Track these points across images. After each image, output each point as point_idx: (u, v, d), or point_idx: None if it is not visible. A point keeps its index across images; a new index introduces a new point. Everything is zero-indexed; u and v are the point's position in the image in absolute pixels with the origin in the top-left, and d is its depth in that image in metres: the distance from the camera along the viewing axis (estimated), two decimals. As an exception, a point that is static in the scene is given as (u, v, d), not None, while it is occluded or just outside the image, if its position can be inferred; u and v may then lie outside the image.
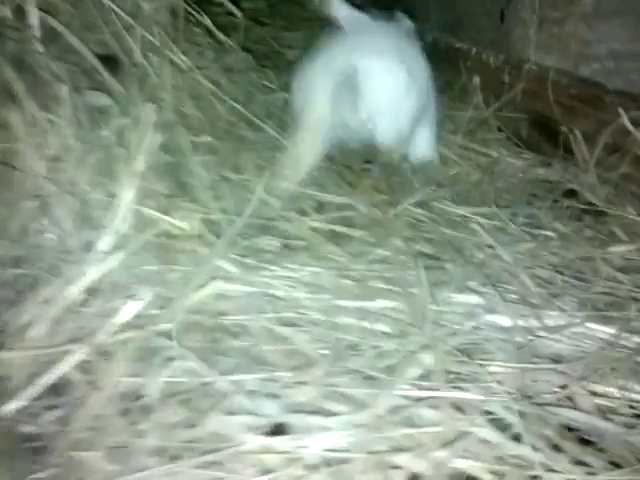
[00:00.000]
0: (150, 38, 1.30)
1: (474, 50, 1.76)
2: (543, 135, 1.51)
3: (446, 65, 1.87)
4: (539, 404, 0.85)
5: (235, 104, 1.44)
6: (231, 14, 1.64)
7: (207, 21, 1.50)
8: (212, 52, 1.54)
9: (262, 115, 1.47)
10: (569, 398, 0.88)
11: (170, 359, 0.87)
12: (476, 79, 1.71)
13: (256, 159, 1.32)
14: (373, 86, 1.29)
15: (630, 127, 1.19)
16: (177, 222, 1.06)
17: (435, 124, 1.49)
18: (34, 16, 1.14)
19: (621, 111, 1.20)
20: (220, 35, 1.54)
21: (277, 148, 1.38)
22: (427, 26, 2.02)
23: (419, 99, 1.35)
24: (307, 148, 1.34)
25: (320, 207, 1.26)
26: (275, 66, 1.83)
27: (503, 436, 0.79)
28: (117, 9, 1.25)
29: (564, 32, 1.41)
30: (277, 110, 1.56)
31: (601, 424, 0.83)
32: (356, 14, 1.49)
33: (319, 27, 2.27)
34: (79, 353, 0.84)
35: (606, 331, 0.94)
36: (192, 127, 1.28)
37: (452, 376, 0.88)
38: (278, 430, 0.83)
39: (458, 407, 0.83)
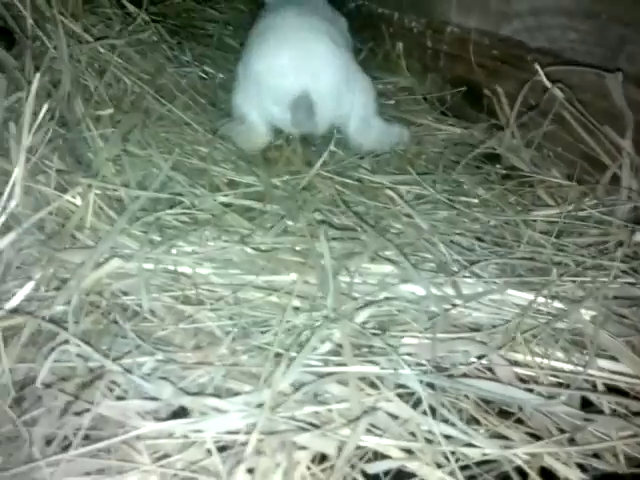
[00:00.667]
0: (45, 9, 1.21)
1: (396, 15, 1.71)
2: (467, 99, 1.46)
3: (370, 31, 1.82)
4: (455, 376, 0.81)
5: (141, 76, 1.36)
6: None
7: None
8: (120, 24, 1.46)
9: (172, 89, 1.40)
10: (488, 369, 0.84)
11: (62, 344, 0.81)
12: (399, 45, 1.66)
13: (163, 134, 1.25)
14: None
15: (548, 84, 1.15)
16: (71, 198, 0.99)
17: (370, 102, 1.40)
18: None
19: (538, 67, 1.16)
20: (129, 6, 1.45)
21: (185, 123, 1.31)
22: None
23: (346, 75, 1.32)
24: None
25: (232, 183, 1.20)
26: (190, 39, 1.75)
27: (415, 411, 0.75)
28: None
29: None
30: (189, 84, 1.48)
31: (520, 394, 0.80)
32: None
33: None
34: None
35: (526, 297, 0.91)
36: (93, 100, 1.20)
37: (363, 350, 0.83)
38: (176, 414, 0.78)
39: (369, 383, 0.79)
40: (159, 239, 0.98)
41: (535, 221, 1.08)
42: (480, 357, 0.84)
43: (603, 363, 0.83)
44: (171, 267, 0.95)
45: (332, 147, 1.29)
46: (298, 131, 1.34)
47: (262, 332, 0.86)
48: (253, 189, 1.16)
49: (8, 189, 0.94)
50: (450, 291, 0.92)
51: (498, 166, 1.28)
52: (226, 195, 1.10)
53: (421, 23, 1.59)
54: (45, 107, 1.00)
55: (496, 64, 1.35)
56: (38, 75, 0.99)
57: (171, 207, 1.05)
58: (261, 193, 1.15)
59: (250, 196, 1.13)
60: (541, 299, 0.90)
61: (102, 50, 1.29)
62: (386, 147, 1.35)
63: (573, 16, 1.17)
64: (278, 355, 0.81)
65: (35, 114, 1.00)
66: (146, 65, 1.41)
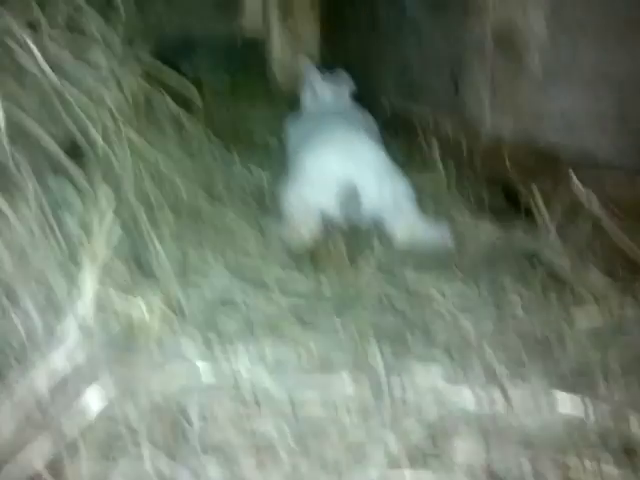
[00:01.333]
0: (110, 124, 1.31)
1: (432, 117, 1.80)
2: (503, 197, 1.53)
3: (406, 130, 1.91)
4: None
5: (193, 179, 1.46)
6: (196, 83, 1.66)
7: (169, 101, 1.51)
8: (174, 131, 1.56)
9: (222, 190, 1.49)
10: (538, 473, 0.86)
11: (134, 449, 0.86)
12: (435, 143, 1.74)
13: (215, 235, 1.33)
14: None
15: (582, 189, 1.21)
16: (138, 303, 1.05)
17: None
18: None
19: (572, 174, 1.22)
20: (182, 114, 1.55)
21: (237, 224, 1.39)
22: (385, 92, 2.07)
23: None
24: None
25: (281, 281, 1.26)
26: (238, 142, 1.86)
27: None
28: (79, 96, 1.26)
29: (516, 97, 1.45)
30: (238, 187, 1.57)
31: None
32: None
33: (280, 102, 2.34)
34: (45, 447, 0.83)
35: (573, 401, 0.94)
36: (153, 206, 1.28)
37: (415, 454, 0.87)
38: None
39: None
40: (218, 341, 1.04)
41: (578, 320, 1.12)
42: (531, 462, 0.87)
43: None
44: (229, 370, 1.00)
45: (376, 244, 1.37)
46: (344, 221, 1.46)
47: (319, 436, 0.90)
48: (303, 287, 1.22)
49: (80, 297, 1.01)
50: (499, 396, 0.95)
51: (538, 264, 1.32)
52: (277, 295, 1.17)
53: (456, 124, 1.67)
54: (110, 218, 1.08)
55: (530, 164, 1.42)
56: (108, 189, 1.08)
57: (226, 307, 1.12)
58: (310, 292, 1.21)
59: (299, 295, 1.19)
60: (588, 403, 0.93)
61: (160, 158, 1.38)
62: (428, 245, 1.41)
63: (604, 120, 1.23)
64: (335, 462, 0.85)
65: (102, 224, 1.08)
66: (197, 167, 1.50)
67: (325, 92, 1.90)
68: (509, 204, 1.51)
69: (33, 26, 1.31)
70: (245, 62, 2.51)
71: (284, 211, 1.48)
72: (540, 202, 1.40)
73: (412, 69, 1.89)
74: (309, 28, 2.53)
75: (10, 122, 1.19)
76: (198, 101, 1.49)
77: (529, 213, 1.44)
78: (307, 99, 1.93)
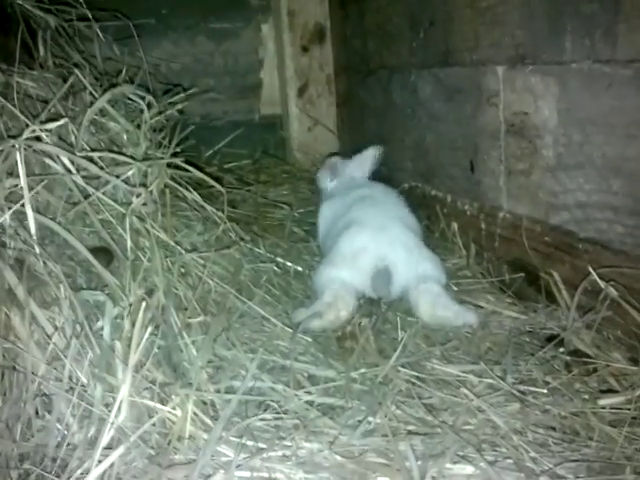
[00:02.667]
0: (139, 226, 1.36)
1: (449, 198, 1.84)
2: (524, 280, 1.56)
3: (425, 211, 1.96)
4: None
5: (222, 275, 1.50)
6: (217, 179, 1.72)
7: (195, 196, 1.58)
8: (200, 225, 1.61)
9: (250, 285, 1.53)
10: None
11: None
12: (454, 225, 1.79)
13: (246, 332, 1.37)
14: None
15: (602, 284, 1.25)
16: (171, 410, 1.08)
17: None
18: (31, 220, 1.20)
19: (591, 270, 1.26)
20: (207, 207, 1.61)
21: (265, 319, 1.43)
22: (402, 173, 2.13)
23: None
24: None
25: (312, 378, 1.28)
26: (263, 230, 1.91)
27: None
28: (107, 201, 1.32)
29: (531, 182, 1.49)
30: (265, 277, 1.62)
31: None
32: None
33: (300, 181, 2.41)
34: None
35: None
36: (183, 307, 1.33)
37: None
38: None
39: None
40: (253, 444, 1.06)
41: (604, 408, 1.14)
42: None
43: None
44: (266, 475, 1.02)
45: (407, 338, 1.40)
46: (376, 296, 1.59)
47: None
48: (333, 384, 1.25)
49: (116, 405, 1.05)
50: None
51: (562, 350, 1.34)
52: (309, 393, 1.19)
53: (474, 207, 1.72)
54: (143, 326, 1.12)
55: (549, 249, 1.45)
56: (141, 298, 1.13)
57: (260, 407, 1.15)
58: (341, 387, 1.24)
59: (331, 391, 1.22)
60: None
61: (188, 257, 1.43)
62: (451, 321, 1.45)
63: (619, 211, 1.27)
64: None
65: (133, 325, 1.13)
66: (224, 263, 1.55)
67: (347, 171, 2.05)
68: (530, 286, 1.54)
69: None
70: (264, 143, 2.61)
71: (320, 291, 1.54)
72: (560, 285, 1.44)
73: (428, 152, 1.95)
74: (326, 110, 2.62)
75: (42, 229, 1.26)
76: (222, 193, 1.55)
77: (550, 295, 1.48)
78: (326, 180, 2.02)
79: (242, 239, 1.66)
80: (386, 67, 2.18)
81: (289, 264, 1.72)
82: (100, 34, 1.99)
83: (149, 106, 1.55)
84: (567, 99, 1.35)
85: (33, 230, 1.22)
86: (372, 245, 1.56)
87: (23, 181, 1.22)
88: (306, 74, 2.59)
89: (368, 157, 2.05)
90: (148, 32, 2.25)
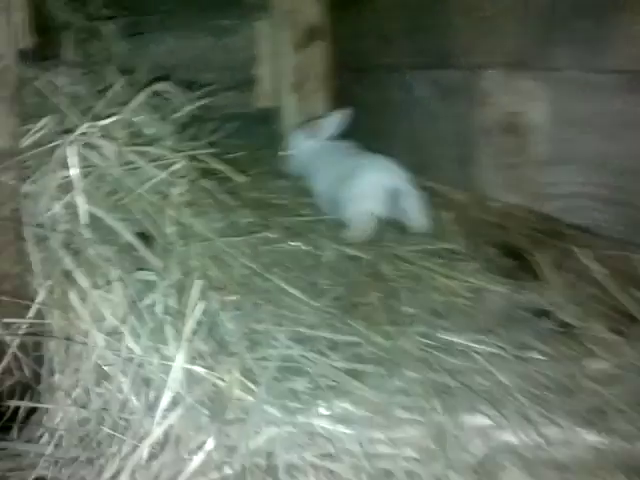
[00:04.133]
0: (172, 212, 1.51)
1: (443, 189, 2.02)
2: (514, 262, 1.74)
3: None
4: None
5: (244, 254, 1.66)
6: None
7: (216, 186, 1.72)
8: (219, 213, 1.76)
9: (268, 265, 1.68)
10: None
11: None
12: (447, 215, 1.96)
13: (272, 308, 1.52)
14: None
15: (586, 262, 1.43)
16: (220, 376, 1.24)
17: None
18: (82, 208, 1.34)
19: (576, 250, 1.45)
20: (225, 198, 1.76)
21: (286, 294, 1.59)
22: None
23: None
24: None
25: (334, 346, 1.44)
26: (273, 214, 2.08)
27: None
28: (147, 194, 1.46)
29: (522, 175, 1.67)
30: (282, 258, 1.78)
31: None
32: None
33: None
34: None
35: (593, 434, 1.15)
36: (218, 288, 1.47)
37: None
38: None
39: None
40: (295, 404, 1.23)
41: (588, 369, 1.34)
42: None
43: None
44: (308, 429, 1.19)
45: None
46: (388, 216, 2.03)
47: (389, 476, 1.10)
48: (354, 351, 1.41)
49: (172, 371, 1.20)
50: (534, 434, 1.15)
51: (549, 320, 1.53)
52: (335, 360, 1.36)
53: (467, 197, 1.90)
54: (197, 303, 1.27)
55: (538, 235, 1.64)
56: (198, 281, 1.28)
57: (294, 373, 1.31)
58: (360, 355, 1.40)
59: (352, 359, 1.38)
60: (605, 434, 1.14)
61: (217, 243, 1.58)
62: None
63: (601, 201, 1.46)
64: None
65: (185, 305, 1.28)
66: (245, 247, 1.70)
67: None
68: (520, 268, 1.73)
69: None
70: (260, 136, 2.76)
71: (347, 215, 2.04)
72: (547, 265, 1.63)
73: (423, 147, 2.12)
74: (320, 103, 2.78)
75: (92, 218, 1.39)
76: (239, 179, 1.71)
77: (537, 276, 1.66)
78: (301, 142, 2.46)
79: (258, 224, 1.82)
80: (382, 66, 2.35)
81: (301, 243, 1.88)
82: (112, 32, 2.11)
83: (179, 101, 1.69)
84: (557, 102, 1.53)
85: (84, 219, 1.35)
86: (387, 179, 2.01)
87: (74, 173, 1.35)
88: (301, 71, 2.75)
89: (335, 119, 2.39)
90: (150, 28, 2.38)
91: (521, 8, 1.62)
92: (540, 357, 1.39)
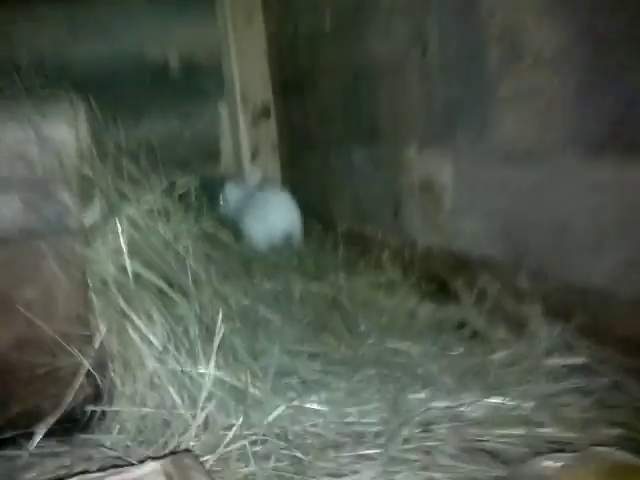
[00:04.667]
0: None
1: (379, 235, 2.61)
2: (439, 288, 2.33)
3: (359, 246, 2.71)
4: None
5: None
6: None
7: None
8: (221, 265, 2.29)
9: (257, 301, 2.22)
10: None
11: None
12: (385, 253, 2.54)
13: (265, 331, 2.05)
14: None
15: (488, 285, 2.03)
16: (238, 378, 1.75)
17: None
18: (129, 266, 1.85)
19: (479, 275, 2.04)
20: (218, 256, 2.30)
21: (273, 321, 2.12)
22: (341, 217, 2.89)
23: None
24: None
25: (314, 355, 1.98)
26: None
27: None
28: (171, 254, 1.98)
29: (438, 223, 2.27)
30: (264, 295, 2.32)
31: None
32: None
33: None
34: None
35: (497, 400, 1.70)
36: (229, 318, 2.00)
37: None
38: None
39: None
40: (290, 394, 1.75)
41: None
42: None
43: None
44: (303, 409, 1.71)
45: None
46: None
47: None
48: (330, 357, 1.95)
49: (207, 377, 1.71)
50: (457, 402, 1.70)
51: (464, 328, 2.11)
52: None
53: (398, 240, 2.48)
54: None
55: (454, 266, 2.22)
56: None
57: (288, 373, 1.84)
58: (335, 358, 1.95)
59: (330, 361, 1.93)
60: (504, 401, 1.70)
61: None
62: None
63: (494, 240, 2.05)
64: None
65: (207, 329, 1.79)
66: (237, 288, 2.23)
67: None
68: (443, 292, 2.32)
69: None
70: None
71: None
72: (460, 288, 2.21)
73: (362, 202, 2.70)
74: (272, 172, 3.37)
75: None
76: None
77: (454, 297, 2.25)
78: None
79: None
80: (324, 140, 2.95)
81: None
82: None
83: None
84: (459, 169, 2.14)
85: (130, 272, 1.86)
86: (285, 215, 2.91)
87: (121, 240, 1.87)
88: (256, 143, 3.33)
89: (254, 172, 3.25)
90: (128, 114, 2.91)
91: (429, 100, 2.22)
92: (458, 353, 1.96)
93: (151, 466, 1.35)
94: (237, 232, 2.97)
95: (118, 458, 1.54)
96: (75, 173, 1.71)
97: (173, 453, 1.50)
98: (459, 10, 1.94)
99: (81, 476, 1.34)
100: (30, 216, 1.70)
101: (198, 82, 3.31)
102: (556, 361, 1.77)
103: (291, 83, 3.16)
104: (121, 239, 1.83)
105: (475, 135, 1.95)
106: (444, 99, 2.07)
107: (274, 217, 2.92)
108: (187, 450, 1.51)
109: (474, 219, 2.09)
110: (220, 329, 1.73)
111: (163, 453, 1.53)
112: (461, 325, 2.13)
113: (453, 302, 2.24)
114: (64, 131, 1.68)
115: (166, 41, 3.24)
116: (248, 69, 3.21)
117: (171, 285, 1.93)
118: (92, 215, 1.82)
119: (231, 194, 3.17)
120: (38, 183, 1.69)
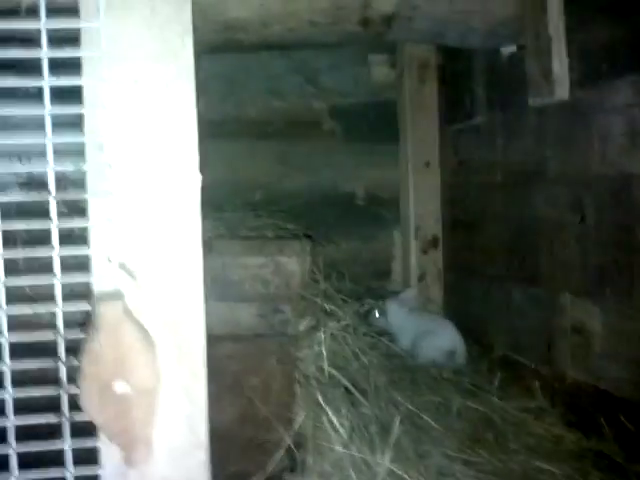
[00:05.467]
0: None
1: (532, 364, 2.92)
2: (583, 420, 2.60)
3: (513, 372, 3.04)
4: None
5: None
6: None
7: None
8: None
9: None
10: None
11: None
12: (536, 382, 2.85)
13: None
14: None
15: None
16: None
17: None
18: (326, 369, 2.31)
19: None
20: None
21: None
22: (496, 343, 3.24)
23: None
24: None
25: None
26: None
27: None
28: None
29: (585, 362, 2.58)
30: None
31: None
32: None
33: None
34: None
35: None
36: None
37: None
38: None
39: None
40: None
41: None
42: None
43: None
44: None
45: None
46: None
47: None
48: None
49: (380, 467, 2.10)
50: None
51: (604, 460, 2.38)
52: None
53: (550, 373, 2.80)
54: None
55: (599, 402, 2.51)
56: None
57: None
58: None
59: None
60: None
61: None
62: None
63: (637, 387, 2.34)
64: None
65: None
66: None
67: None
68: (585, 423, 2.59)
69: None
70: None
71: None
72: (605, 423, 2.47)
73: (518, 332, 3.03)
74: (437, 293, 3.84)
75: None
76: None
77: (598, 430, 2.52)
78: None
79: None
80: (486, 274, 3.36)
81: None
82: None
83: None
84: (607, 320, 2.47)
85: (327, 376, 2.32)
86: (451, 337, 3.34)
87: (324, 350, 2.35)
88: (424, 268, 3.83)
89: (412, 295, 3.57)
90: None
91: (583, 258, 2.58)
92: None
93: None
94: (399, 345, 3.36)
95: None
96: (297, 294, 2.23)
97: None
98: (615, 191, 2.32)
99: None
100: (261, 321, 2.22)
101: (379, 212, 3.88)
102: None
103: (460, 221, 3.61)
104: (323, 347, 2.32)
105: (623, 294, 2.27)
106: (597, 259, 2.41)
107: (443, 337, 3.29)
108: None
109: (619, 364, 2.39)
110: (396, 429, 2.14)
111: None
112: (601, 455, 2.39)
113: (596, 434, 2.50)
114: (294, 264, 2.24)
115: (355, 177, 3.87)
116: (422, 206, 3.72)
117: (356, 387, 2.38)
118: (304, 326, 2.34)
119: (392, 310, 3.50)
120: (270, 298, 2.22)
